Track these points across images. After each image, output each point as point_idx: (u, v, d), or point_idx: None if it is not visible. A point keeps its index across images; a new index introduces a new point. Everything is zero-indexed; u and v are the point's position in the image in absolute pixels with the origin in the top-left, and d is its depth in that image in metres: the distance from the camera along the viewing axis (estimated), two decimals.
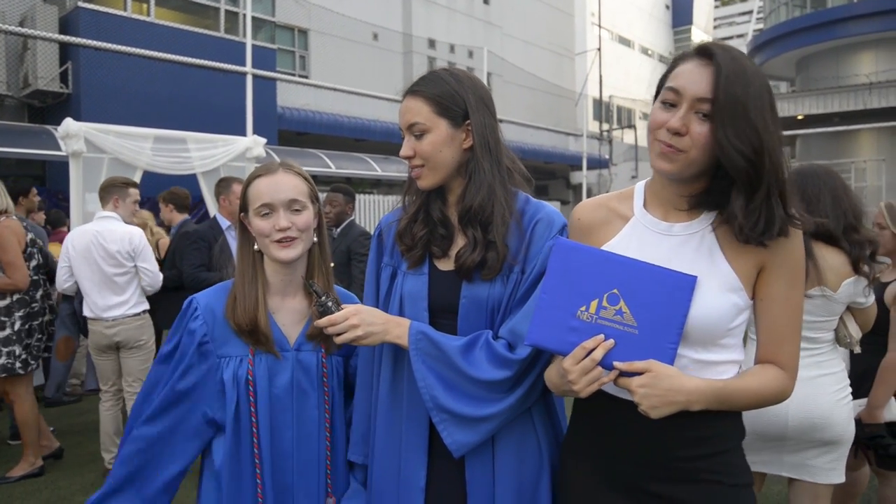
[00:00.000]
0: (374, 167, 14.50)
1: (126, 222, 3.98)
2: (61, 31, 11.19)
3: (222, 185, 4.41)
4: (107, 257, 3.77)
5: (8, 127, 10.63)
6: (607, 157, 22.61)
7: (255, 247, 1.53)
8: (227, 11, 13.88)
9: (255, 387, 1.47)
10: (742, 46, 24.22)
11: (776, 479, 2.73)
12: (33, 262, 3.93)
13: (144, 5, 12.81)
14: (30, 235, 3.96)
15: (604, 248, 1.31)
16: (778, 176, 1.16)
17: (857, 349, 2.27)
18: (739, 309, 1.23)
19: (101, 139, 5.63)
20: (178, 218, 5.03)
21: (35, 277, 3.94)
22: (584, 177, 20.25)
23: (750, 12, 37.75)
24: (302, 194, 1.52)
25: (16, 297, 3.83)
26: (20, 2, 11.50)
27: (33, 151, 9.92)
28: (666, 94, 1.20)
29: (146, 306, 3.97)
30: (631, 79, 33.49)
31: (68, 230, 5.44)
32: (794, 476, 2.14)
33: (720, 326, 1.21)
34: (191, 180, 6.55)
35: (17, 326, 3.82)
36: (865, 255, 2.13)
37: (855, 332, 2.22)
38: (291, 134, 15.06)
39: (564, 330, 1.19)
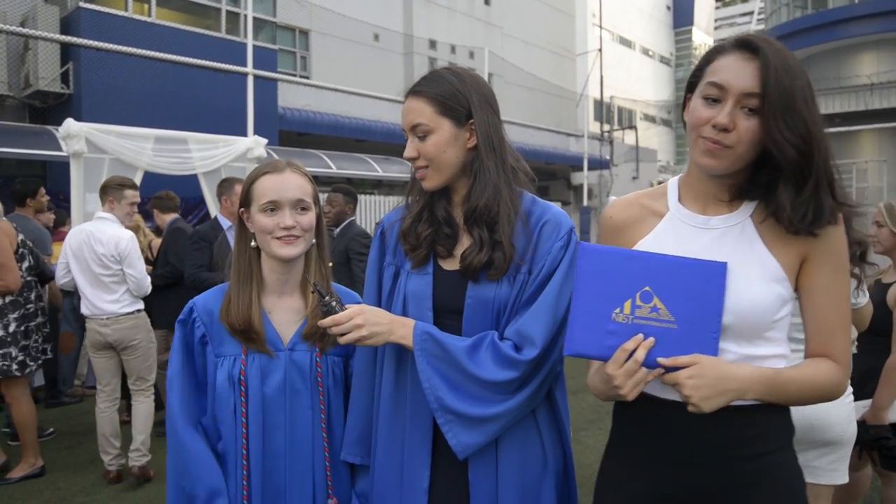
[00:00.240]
0: (375, 168, 14.50)
1: (123, 223, 3.99)
2: (62, 32, 11.19)
3: (225, 186, 4.41)
4: (95, 258, 3.81)
5: (9, 127, 10.62)
6: (608, 157, 22.60)
7: (253, 244, 1.52)
8: (228, 12, 13.86)
9: (246, 387, 1.47)
10: None
11: None
12: (25, 264, 3.92)
13: (145, 6, 12.80)
14: (20, 236, 3.96)
15: (639, 244, 1.29)
16: (826, 165, 1.15)
17: (854, 349, 2.26)
18: (784, 300, 1.19)
19: (102, 139, 5.64)
20: (169, 218, 5.03)
21: (28, 279, 3.94)
22: (584, 177, 20.27)
23: (751, 13, 37.77)
24: (307, 195, 1.51)
25: (9, 299, 3.82)
26: (21, 2, 11.50)
27: (34, 152, 9.91)
28: (708, 90, 1.17)
29: (139, 306, 3.97)
30: (632, 79, 33.49)
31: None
32: None
33: (765, 318, 1.18)
34: (192, 181, 6.55)
35: (11, 328, 3.81)
36: (855, 257, 2.12)
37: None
38: (292, 134, 15.06)
39: (602, 335, 1.16)
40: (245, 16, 10.55)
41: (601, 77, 22.55)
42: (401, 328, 1.37)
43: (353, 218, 4.52)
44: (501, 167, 1.42)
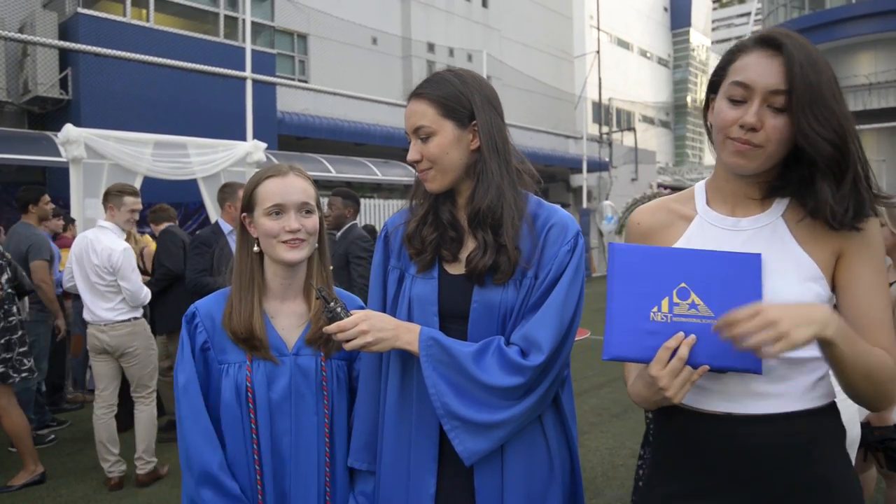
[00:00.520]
0: (374, 171, 14.50)
1: (123, 230, 4.01)
2: (61, 38, 11.19)
3: (228, 191, 4.40)
4: (91, 267, 3.84)
5: (8, 133, 10.61)
6: (607, 159, 22.60)
7: (256, 248, 1.51)
8: (226, 17, 13.87)
9: (253, 394, 1.45)
10: None
11: None
12: (4, 276, 3.87)
13: (144, 11, 12.80)
14: None
15: None
16: (862, 157, 1.13)
17: None
18: (822, 299, 1.16)
19: (102, 145, 5.64)
20: (164, 225, 5.04)
21: (10, 291, 3.91)
22: (584, 179, 20.29)
23: (748, 14, 37.85)
24: (311, 198, 1.51)
25: None
26: (20, 8, 11.50)
27: (33, 158, 9.91)
28: (733, 90, 1.14)
29: (137, 314, 3.97)
30: (630, 81, 33.54)
31: (73, 236, 5.45)
32: None
33: None
34: (191, 185, 6.56)
35: None
36: None
37: None
38: (291, 138, 15.05)
39: (642, 335, 1.12)
40: (243, 20, 10.55)
41: (599, 79, 22.57)
42: (406, 334, 1.36)
43: (354, 221, 4.52)
44: (505, 168, 1.40)
